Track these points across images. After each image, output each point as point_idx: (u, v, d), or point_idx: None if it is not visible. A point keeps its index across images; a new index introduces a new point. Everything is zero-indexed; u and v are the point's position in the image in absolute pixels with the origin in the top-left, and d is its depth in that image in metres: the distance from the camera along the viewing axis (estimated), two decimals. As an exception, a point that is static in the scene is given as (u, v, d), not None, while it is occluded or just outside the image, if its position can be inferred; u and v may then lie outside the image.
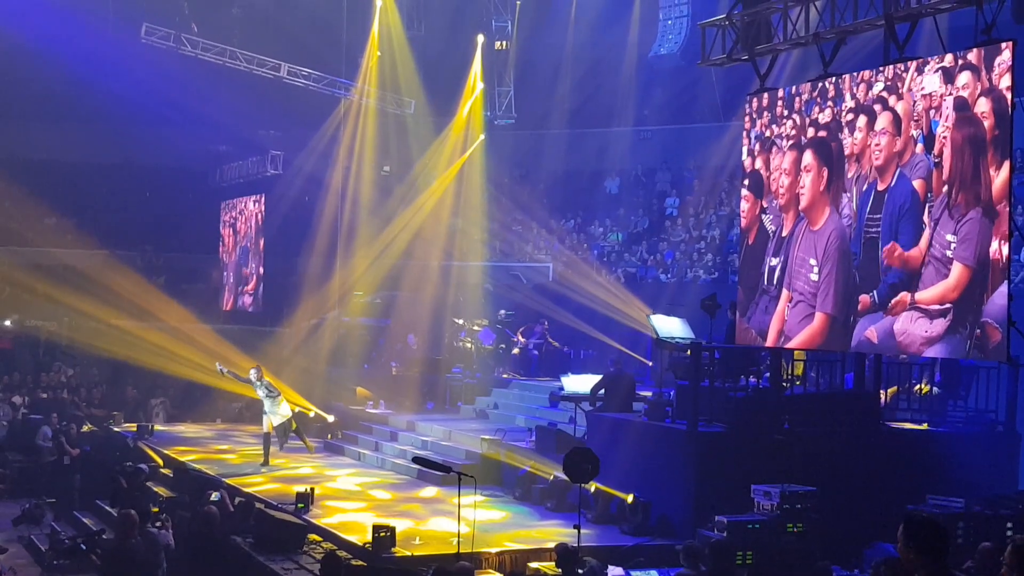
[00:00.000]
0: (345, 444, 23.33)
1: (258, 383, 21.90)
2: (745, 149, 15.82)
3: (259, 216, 32.10)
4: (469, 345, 26.39)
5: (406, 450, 21.26)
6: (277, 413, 21.70)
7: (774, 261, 15.15)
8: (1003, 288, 11.80)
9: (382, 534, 13.89)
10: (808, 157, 14.72)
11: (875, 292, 13.45)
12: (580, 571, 11.82)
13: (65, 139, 34.58)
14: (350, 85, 31.20)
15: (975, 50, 12.38)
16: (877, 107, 13.62)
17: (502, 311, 27.69)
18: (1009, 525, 13.21)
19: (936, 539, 5.93)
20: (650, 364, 21.43)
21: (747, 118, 15.98)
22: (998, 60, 11.99)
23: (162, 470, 21.34)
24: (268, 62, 30.48)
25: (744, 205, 15.91)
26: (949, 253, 12.42)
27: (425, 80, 32.10)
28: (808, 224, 14.66)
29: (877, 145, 13.57)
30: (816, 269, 14.42)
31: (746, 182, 15.88)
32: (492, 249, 32.31)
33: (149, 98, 30.39)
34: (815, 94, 14.69)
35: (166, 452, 22.76)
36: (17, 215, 31.89)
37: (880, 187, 13.50)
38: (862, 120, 13.85)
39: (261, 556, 14.19)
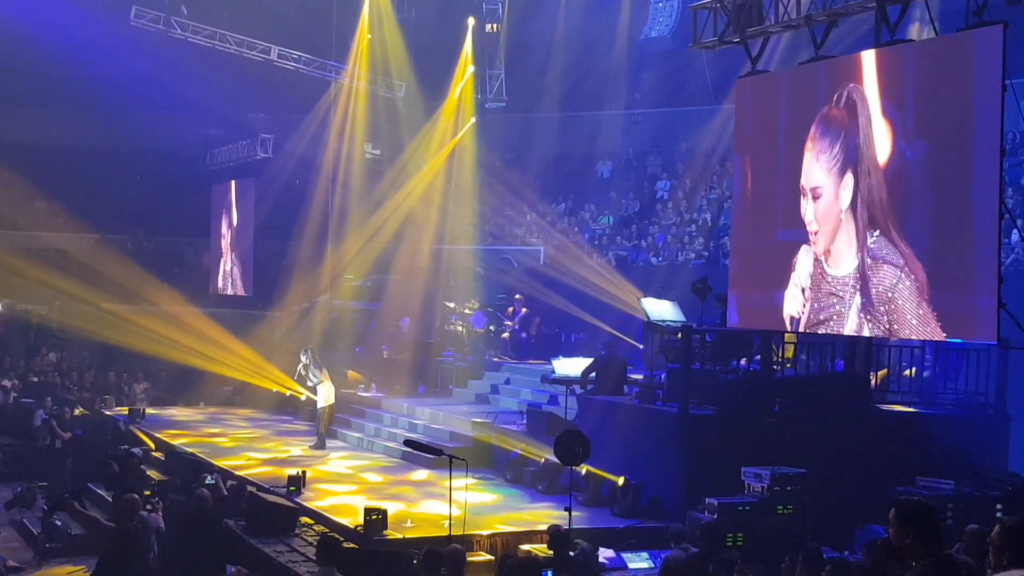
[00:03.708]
0: (337, 427, 23.30)
1: (307, 367, 22.26)
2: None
3: (249, 200, 32.02)
4: (460, 329, 26.37)
5: (397, 433, 21.30)
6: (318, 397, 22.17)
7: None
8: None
9: (374, 517, 13.92)
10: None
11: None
12: (571, 553, 11.86)
13: (55, 123, 34.43)
14: (340, 68, 31.11)
15: (966, 32, 12.39)
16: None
17: (473, 299, 27.68)
18: (999, 507, 13.26)
19: (932, 520, 5.96)
20: (641, 347, 21.43)
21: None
22: (989, 42, 11.99)
23: (154, 453, 21.34)
24: (258, 45, 30.37)
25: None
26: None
27: (416, 63, 32.02)
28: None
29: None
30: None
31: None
32: (483, 232, 32.27)
33: (139, 81, 30.31)
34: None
35: (157, 435, 22.76)
36: (7, 199, 31.80)
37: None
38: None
39: (253, 539, 14.20)
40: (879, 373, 16.81)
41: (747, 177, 15.85)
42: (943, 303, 12.45)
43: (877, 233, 13.32)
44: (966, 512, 12.95)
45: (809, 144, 14.50)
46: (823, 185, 14.25)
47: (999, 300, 11.78)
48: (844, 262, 13.88)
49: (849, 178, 13.79)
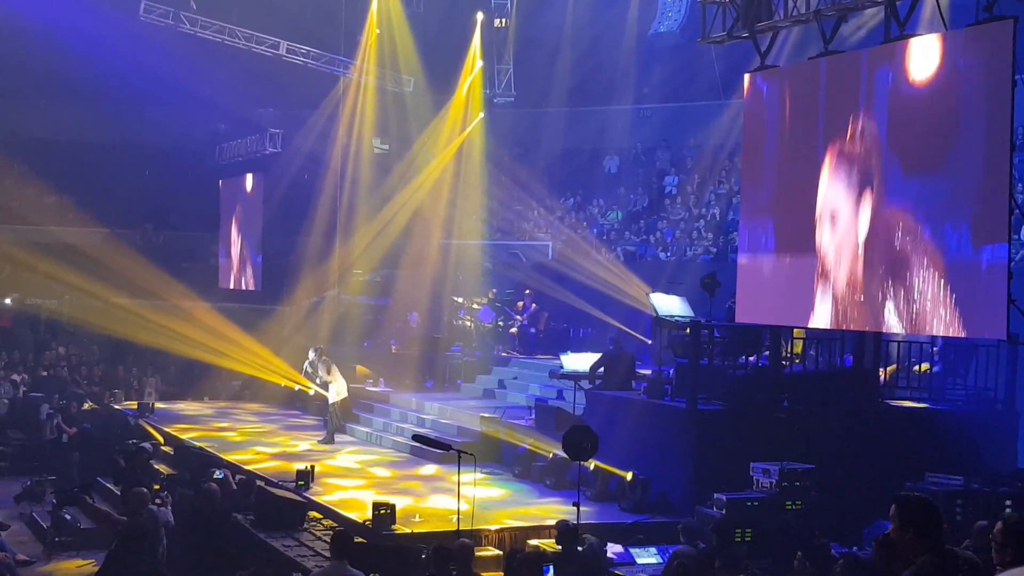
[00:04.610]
0: (344, 422, 23.34)
1: (313, 364, 22.30)
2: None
3: (259, 194, 32.05)
4: (468, 323, 26.38)
5: (406, 428, 21.31)
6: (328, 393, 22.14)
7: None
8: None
9: (382, 511, 13.93)
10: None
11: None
12: (579, 548, 11.86)
13: (65, 118, 34.56)
14: (349, 63, 31.12)
15: (976, 27, 12.35)
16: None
17: (491, 291, 27.64)
18: (1008, 503, 13.26)
19: (934, 518, 5.94)
20: (649, 342, 21.43)
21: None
22: (999, 37, 11.95)
23: (163, 448, 21.38)
24: (267, 40, 30.41)
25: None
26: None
27: (424, 58, 32.01)
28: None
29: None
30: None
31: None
32: (491, 227, 32.28)
33: (148, 77, 30.36)
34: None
35: (166, 430, 22.79)
36: (17, 194, 31.92)
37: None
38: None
39: (262, 533, 14.23)
40: (888, 369, 16.79)
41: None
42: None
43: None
44: (975, 508, 12.96)
45: (824, 171, 14.57)
46: (840, 208, 14.31)
47: (1008, 296, 11.77)
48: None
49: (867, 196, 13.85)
